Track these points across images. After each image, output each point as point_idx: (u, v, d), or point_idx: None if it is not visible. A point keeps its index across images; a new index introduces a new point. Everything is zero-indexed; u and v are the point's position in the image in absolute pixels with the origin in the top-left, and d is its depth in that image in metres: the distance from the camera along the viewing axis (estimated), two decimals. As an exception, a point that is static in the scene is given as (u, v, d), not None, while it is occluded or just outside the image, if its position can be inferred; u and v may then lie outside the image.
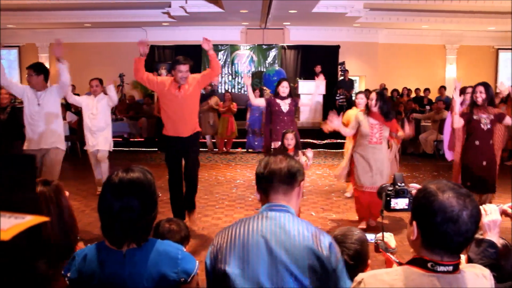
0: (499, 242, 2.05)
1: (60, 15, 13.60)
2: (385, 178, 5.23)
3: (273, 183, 1.86)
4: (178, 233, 2.66)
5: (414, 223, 1.52)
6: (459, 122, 5.14)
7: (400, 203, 2.06)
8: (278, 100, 5.99)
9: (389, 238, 2.30)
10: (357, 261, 2.15)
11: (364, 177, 5.27)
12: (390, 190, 2.07)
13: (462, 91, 5.86)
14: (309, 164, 4.98)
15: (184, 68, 4.89)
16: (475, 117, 5.10)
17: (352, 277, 1.93)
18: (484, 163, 5.12)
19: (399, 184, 2.06)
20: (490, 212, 1.80)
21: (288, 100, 6.01)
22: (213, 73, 5.10)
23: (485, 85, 5.16)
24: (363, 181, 5.28)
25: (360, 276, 1.57)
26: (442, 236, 1.44)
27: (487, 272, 1.56)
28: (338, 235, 2.24)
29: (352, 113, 6.10)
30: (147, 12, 13.52)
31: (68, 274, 1.78)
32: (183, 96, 4.94)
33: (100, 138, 6.47)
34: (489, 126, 5.08)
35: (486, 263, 1.69)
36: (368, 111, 5.29)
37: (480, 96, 5.08)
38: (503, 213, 1.82)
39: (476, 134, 5.11)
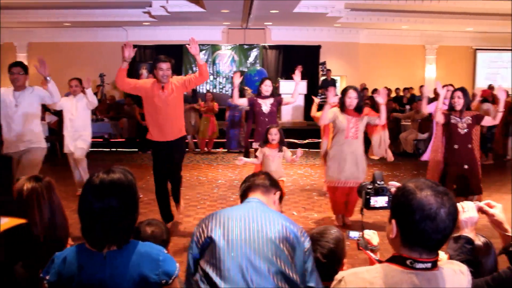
0: (480, 239, 2.08)
1: (39, 13, 13.37)
2: (362, 172, 5.28)
3: (252, 188, 2.21)
4: (159, 236, 2.63)
5: (393, 221, 1.54)
6: (441, 117, 5.23)
7: (380, 201, 2.08)
8: (260, 100, 5.93)
9: (372, 236, 2.31)
10: (331, 260, 2.15)
11: (338, 172, 5.24)
12: (370, 188, 2.10)
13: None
14: (296, 159, 5.14)
15: (165, 66, 4.80)
16: (452, 121, 5.21)
17: (324, 275, 1.95)
18: (466, 166, 5.20)
19: (378, 182, 2.09)
20: (467, 210, 1.83)
21: (270, 100, 5.94)
22: (201, 80, 4.97)
23: (463, 90, 5.29)
24: (336, 177, 5.26)
25: (340, 275, 1.58)
26: (420, 233, 1.46)
27: (464, 268, 1.59)
28: (315, 233, 2.23)
29: (332, 111, 6.14)
30: (128, 11, 13.40)
31: (47, 277, 1.75)
32: (167, 96, 4.85)
33: (78, 139, 6.39)
34: (466, 130, 5.18)
35: (464, 259, 1.72)
36: (343, 108, 5.31)
37: (458, 102, 5.19)
38: (480, 210, 1.85)
39: (454, 138, 5.22)
